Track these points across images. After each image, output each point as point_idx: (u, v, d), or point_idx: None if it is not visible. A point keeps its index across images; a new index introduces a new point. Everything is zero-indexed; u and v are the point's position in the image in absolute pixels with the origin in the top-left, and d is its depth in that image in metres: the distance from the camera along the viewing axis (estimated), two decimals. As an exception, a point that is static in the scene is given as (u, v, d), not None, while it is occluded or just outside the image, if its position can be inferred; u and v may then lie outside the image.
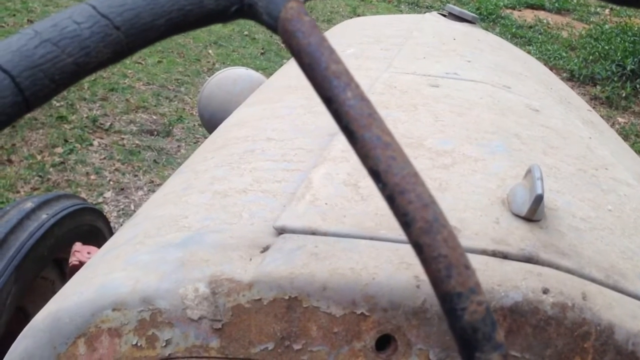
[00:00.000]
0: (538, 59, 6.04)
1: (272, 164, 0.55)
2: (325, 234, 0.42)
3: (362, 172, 0.48)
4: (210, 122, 1.28)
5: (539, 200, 0.43)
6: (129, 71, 3.87)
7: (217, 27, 5.28)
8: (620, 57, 5.81)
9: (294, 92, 0.80)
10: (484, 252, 0.41)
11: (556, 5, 8.98)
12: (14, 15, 4.37)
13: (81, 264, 1.01)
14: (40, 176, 2.55)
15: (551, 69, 6.17)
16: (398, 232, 0.40)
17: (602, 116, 5.00)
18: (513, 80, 0.85)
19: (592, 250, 0.44)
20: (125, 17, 0.27)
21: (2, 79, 0.24)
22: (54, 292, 1.39)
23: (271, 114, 0.73)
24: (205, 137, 3.20)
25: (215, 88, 1.26)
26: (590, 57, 5.74)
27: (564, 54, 6.11)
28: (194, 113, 3.44)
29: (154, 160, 2.87)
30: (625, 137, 4.63)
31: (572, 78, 5.75)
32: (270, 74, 1.31)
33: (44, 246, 1.14)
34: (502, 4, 8.58)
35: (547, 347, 0.39)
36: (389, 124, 0.56)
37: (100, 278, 0.41)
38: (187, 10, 0.28)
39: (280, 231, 0.43)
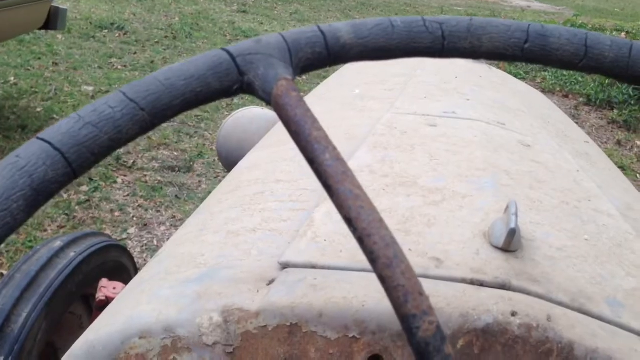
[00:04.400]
0: (554, 84, 6.07)
1: (279, 205, 0.61)
2: (323, 267, 0.48)
3: None
4: (228, 160, 1.34)
5: (512, 233, 0.48)
6: (151, 109, 3.98)
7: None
8: (636, 81, 5.80)
9: None
10: (463, 281, 0.46)
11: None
12: (39, 58, 4.53)
13: (107, 299, 1.06)
14: (66, 214, 2.63)
15: (567, 95, 6.17)
16: None
17: (620, 140, 5.00)
18: (509, 116, 0.90)
19: (563, 277, 0.49)
20: (149, 100, 0.33)
21: (55, 155, 0.30)
22: (81, 327, 1.44)
23: (280, 157, 0.79)
24: (225, 172, 3.27)
25: (232, 128, 1.32)
26: (606, 81, 5.74)
27: (580, 79, 6.12)
28: (214, 148, 3.52)
29: (176, 196, 2.95)
30: (645, 161, 4.62)
31: (589, 103, 5.76)
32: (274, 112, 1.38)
33: (73, 283, 1.19)
34: (516, 31, 8.65)
35: None
36: (386, 164, 0.61)
37: (129, 311, 0.47)
38: (198, 92, 0.34)
39: (285, 266, 0.49)
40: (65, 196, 2.76)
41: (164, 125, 3.77)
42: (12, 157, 0.30)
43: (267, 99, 0.35)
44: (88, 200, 2.77)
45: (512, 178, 0.65)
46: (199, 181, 3.16)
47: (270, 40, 0.38)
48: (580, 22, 9.70)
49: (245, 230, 0.57)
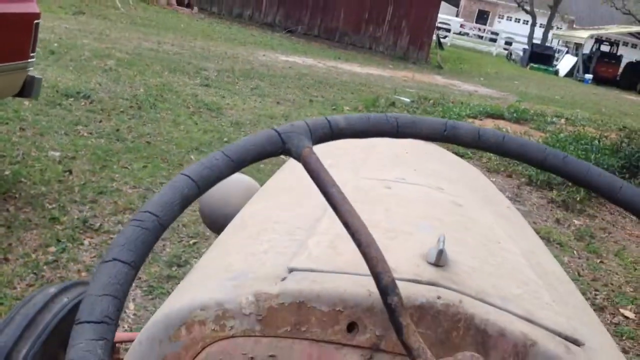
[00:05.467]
0: (498, 164, 6.47)
1: (280, 237, 0.84)
2: (317, 271, 0.71)
3: (339, 240, 0.76)
4: (210, 217, 1.52)
5: (440, 252, 0.72)
6: (116, 175, 4.12)
7: (197, 134, 5.63)
8: (573, 164, 6.22)
9: (290, 191, 1.13)
10: (408, 280, 0.69)
11: (515, 115, 9.65)
12: (7, 123, 4.64)
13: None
14: (35, 273, 2.71)
15: (511, 175, 6.55)
16: (359, 269, 0.68)
17: (559, 218, 5.35)
18: (446, 183, 1.16)
19: (473, 282, 0.73)
20: (239, 155, 0.61)
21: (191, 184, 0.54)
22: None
23: (275, 206, 1.04)
24: (189, 236, 3.40)
25: (216, 189, 1.51)
26: (546, 164, 6.16)
27: (522, 161, 6.55)
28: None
29: (141, 259, 3.05)
30: (581, 238, 4.95)
31: (531, 183, 6.15)
32: (250, 177, 1.58)
33: (66, 324, 1.33)
34: (464, 113, 9.19)
35: (439, 326, 0.66)
36: (361, 214, 0.86)
37: (191, 295, 0.71)
38: (260, 151, 0.60)
39: (292, 270, 0.71)
40: (33, 256, 2.85)
41: (129, 190, 3.91)
42: None
43: (298, 159, 0.61)
44: (56, 261, 2.86)
45: (444, 224, 0.89)
46: (163, 245, 3.29)
47: (299, 124, 0.64)
48: (523, 107, 10.36)
49: (259, 252, 0.80)
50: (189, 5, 18.10)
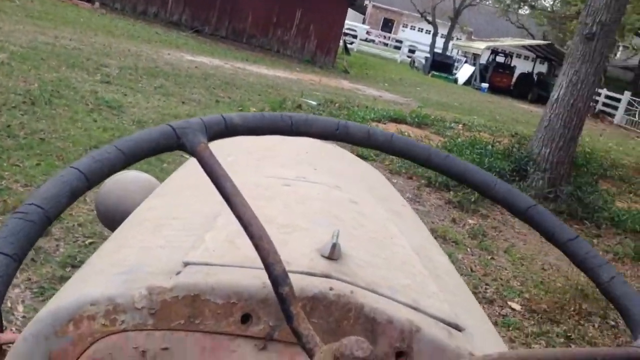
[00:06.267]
0: (399, 167, 6.69)
1: (177, 232, 0.84)
2: (213, 265, 0.71)
3: (236, 235, 0.77)
4: (106, 215, 1.48)
5: (334, 246, 0.75)
6: (6, 173, 3.90)
7: (96, 132, 5.43)
8: (468, 166, 6.55)
9: (189, 188, 1.13)
10: (301, 273, 0.71)
11: (416, 120, 10.01)
12: None
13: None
14: None
15: (412, 177, 6.77)
16: (255, 263, 0.68)
17: (455, 218, 5.60)
18: (344, 182, 1.20)
19: (364, 275, 0.76)
20: (131, 148, 0.60)
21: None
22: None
23: (174, 203, 1.04)
24: (85, 236, 3.28)
25: (113, 186, 1.47)
26: (444, 166, 6.43)
27: (422, 163, 6.81)
28: (73, 213, 3.53)
29: (32, 259, 2.92)
30: (474, 236, 5.21)
31: (430, 184, 6.40)
32: (152, 176, 1.56)
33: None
34: (369, 117, 9.43)
35: (330, 316, 0.69)
36: (258, 210, 0.89)
37: (80, 290, 0.69)
38: (154, 146, 0.61)
39: (187, 264, 0.71)
40: None
41: (20, 189, 3.72)
42: None
43: (193, 154, 0.62)
44: None
45: (340, 220, 0.92)
46: (57, 245, 3.15)
47: (194, 121, 0.65)
48: (424, 112, 10.76)
49: (155, 247, 0.79)
50: (90, 0, 17.40)
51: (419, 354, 0.71)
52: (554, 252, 5.25)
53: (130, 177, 1.48)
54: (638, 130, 17.57)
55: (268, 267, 0.55)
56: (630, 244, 6.03)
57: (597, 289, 0.67)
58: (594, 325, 3.99)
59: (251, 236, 0.56)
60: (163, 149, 0.63)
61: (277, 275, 0.54)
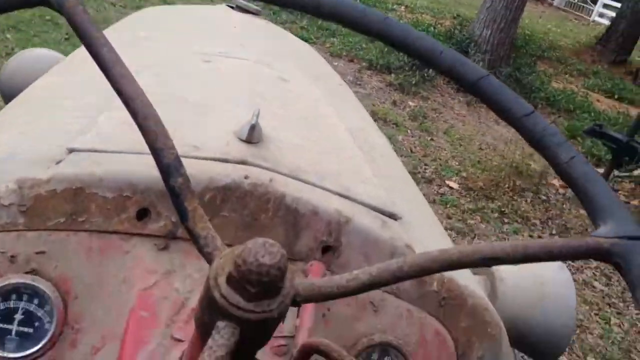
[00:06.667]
0: (341, 49, 6.55)
1: (67, 113, 0.73)
2: (103, 152, 0.61)
3: None
4: (11, 97, 1.36)
5: (252, 128, 0.66)
6: None
7: (16, 12, 5.02)
8: (410, 48, 6.48)
9: (87, 63, 0.99)
10: (213, 159, 0.63)
11: (358, 1, 9.72)
12: None
13: None
14: None
15: (353, 59, 6.68)
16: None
17: (395, 100, 5.60)
18: (275, 60, 1.09)
19: (288, 160, 0.68)
20: None
21: None
22: None
23: (71, 80, 0.91)
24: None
25: (16, 65, 1.34)
26: (386, 49, 6.34)
27: (364, 46, 6.67)
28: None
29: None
30: (414, 118, 5.24)
31: (371, 67, 6.31)
32: (60, 54, 1.43)
33: None
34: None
35: (245, 207, 0.61)
36: (163, 86, 0.77)
37: None
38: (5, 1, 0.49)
39: (71, 151, 0.61)
40: None
41: None
42: None
43: (60, 11, 0.50)
44: None
45: (265, 99, 0.83)
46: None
47: None
48: (366, -7, 10.44)
49: (37, 129, 0.68)
50: None
51: (349, 247, 0.63)
52: (491, 132, 5.37)
53: (36, 55, 1.36)
54: (576, 13, 17.69)
55: (156, 153, 0.44)
56: (563, 122, 6.23)
57: (554, 170, 0.56)
58: (526, 201, 4.16)
59: (134, 115, 0.46)
60: (23, 4, 0.52)
61: (167, 164, 0.44)
